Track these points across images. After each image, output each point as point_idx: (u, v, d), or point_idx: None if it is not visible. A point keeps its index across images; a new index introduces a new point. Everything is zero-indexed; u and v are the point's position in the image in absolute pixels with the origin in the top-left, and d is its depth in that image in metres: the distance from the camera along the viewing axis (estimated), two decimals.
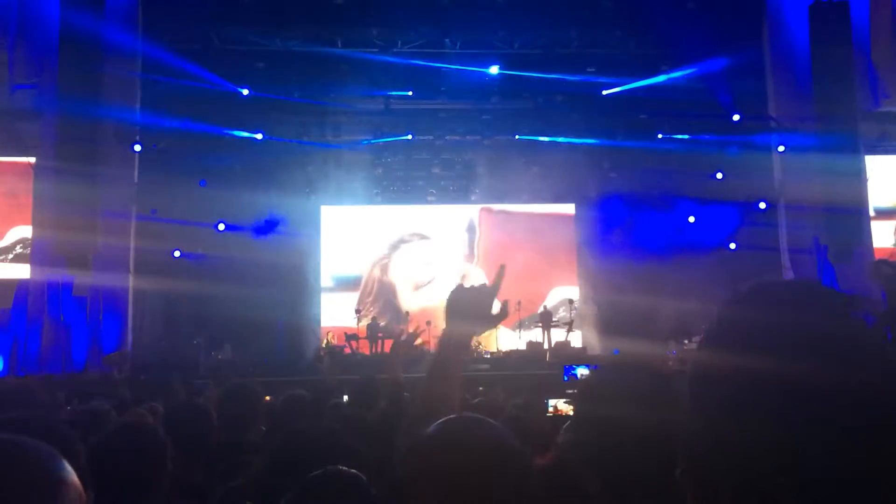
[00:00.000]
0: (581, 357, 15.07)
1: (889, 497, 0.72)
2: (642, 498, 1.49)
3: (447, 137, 18.00)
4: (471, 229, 20.28)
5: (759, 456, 0.75)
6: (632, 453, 1.48)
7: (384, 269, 20.05)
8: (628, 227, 17.85)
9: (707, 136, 17.37)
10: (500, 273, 1.94)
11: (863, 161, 15.86)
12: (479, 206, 20.24)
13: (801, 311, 0.81)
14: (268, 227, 17.73)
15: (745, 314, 0.84)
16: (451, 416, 1.30)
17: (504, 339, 18.44)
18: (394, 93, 16.95)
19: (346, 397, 7.47)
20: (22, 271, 15.46)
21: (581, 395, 1.74)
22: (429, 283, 19.92)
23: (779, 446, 0.74)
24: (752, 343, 0.79)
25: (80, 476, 1.07)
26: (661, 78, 16.81)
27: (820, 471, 0.73)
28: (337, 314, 19.24)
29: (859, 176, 15.58)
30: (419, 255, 20.15)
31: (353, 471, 1.92)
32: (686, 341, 14.26)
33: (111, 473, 2.24)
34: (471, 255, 20.17)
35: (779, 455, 0.74)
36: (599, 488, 1.50)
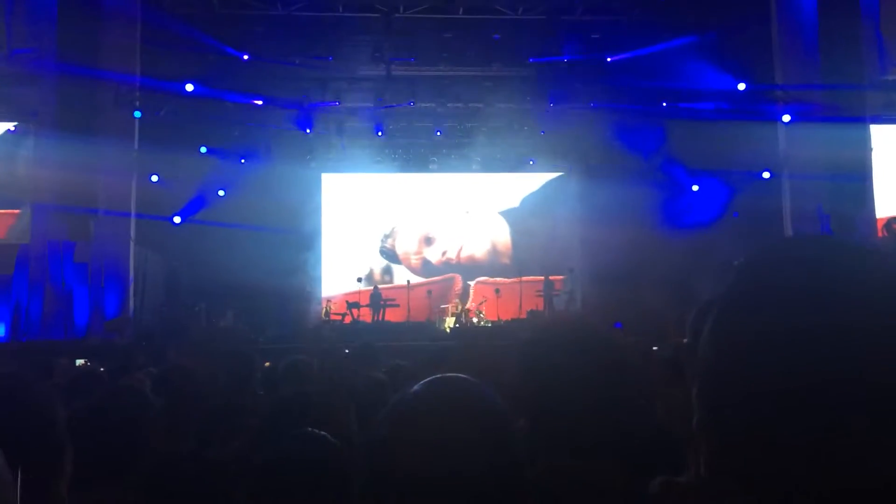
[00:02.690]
0: None
1: None
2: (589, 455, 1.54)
3: (449, 105, 17.86)
4: (473, 197, 20.25)
5: (785, 406, 0.73)
6: (577, 420, 1.55)
7: (385, 238, 20.05)
8: (631, 195, 17.76)
9: (712, 105, 17.21)
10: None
11: (868, 130, 15.75)
12: (481, 174, 20.17)
13: (834, 260, 0.79)
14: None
15: (776, 262, 0.82)
16: (436, 375, 1.29)
17: (505, 308, 18.47)
18: (396, 59, 16.79)
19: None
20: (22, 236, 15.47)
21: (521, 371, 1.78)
22: (431, 252, 19.92)
23: (804, 396, 0.72)
24: (786, 291, 0.77)
25: (56, 437, 1.06)
26: (666, 45, 16.64)
27: (848, 427, 0.71)
28: (339, 282, 19.28)
29: (864, 145, 15.49)
30: (421, 223, 20.14)
31: (322, 433, 1.92)
32: (697, 309, 14.25)
33: (98, 436, 2.23)
34: (473, 223, 20.15)
35: (804, 405, 0.72)
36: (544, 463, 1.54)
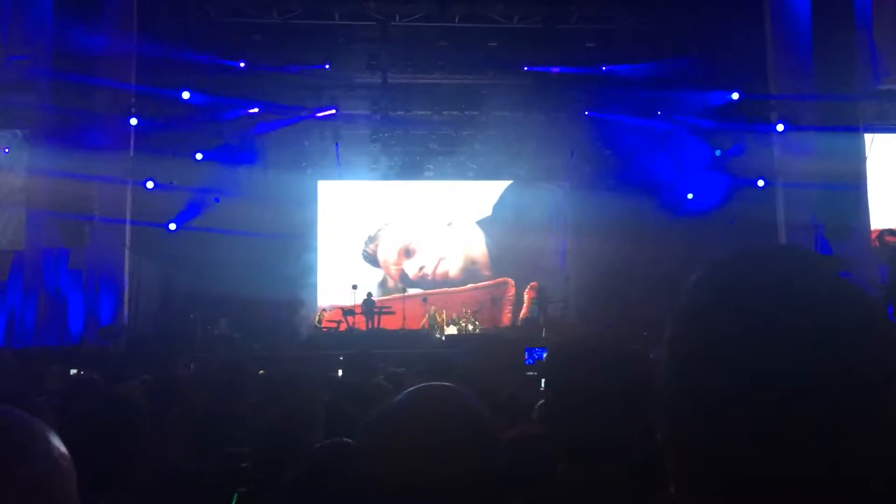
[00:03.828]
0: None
1: (878, 460, 0.71)
2: (610, 470, 1.54)
3: (445, 113, 17.88)
4: (468, 204, 20.26)
5: (742, 418, 0.73)
6: (601, 432, 1.56)
7: (381, 245, 20.04)
8: (625, 203, 17.78)
9: (706, 114, 17.25)
10: None
11: (862, 139, 15.82)
12: (476, 182, 20.18)
13: (785, 271, 0.79)
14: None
15: (727, 276, 0.82)
16: (420, 385, 1.28)
17: (500, 316, 18.47)
18: (391, 67, 16.80)
19: (340, 371, 7.49)
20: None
21: (547, 379, 1.80)
22: (427, 259, 19.91)
23: (761, 407, 0.72)
24: (737, 304, 0.77)
25: None
26: (660, 54, 16.69)
27: (804, 433, 0.71)
28: (334, 289, 19.24)
29: (858, 154, 15.55)
30: (416, 230, 20.12)
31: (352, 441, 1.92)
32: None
33: (88, 446, 2.22)
34: (468, 231, 20.14)
35: (762, 416, 0.72)
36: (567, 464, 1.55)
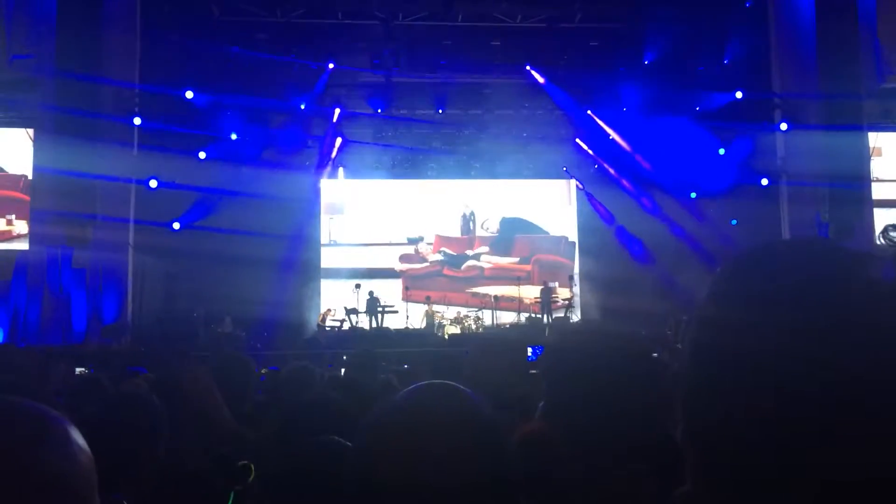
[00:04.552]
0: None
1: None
2: (619, 469, 1.52)
3: (448, 111, 17.87)
4: (473, 203, 20.22)
5: (770, 416, 0.70)
6: (604, 428, 1.53)
7: (383, 244, 20.00)
8: (629, 202, 17.76)
9: (710, 112, 17.23)
10: None
11: (866, 138, 15.79)
12: (479, 181, 20.12)
13: (818, 266, 0.76)
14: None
15: (757, 269, 0.79)
16: (421, 382, 1.22)
17: (504, 314, 18.45)
18: (394, 66, 16.81)
19: (343, 370, 7.50)
20: (21, 243, 15.46)
21: (546, 377, 1.77)
22: (429, 259, 19.90)
23: (790, 405, 0.70)
24: (763, 300, 0.74)
25: None
26: (664, 53, 16.67)
27: (836, 434, 0.68)
28: (337, 288, 19.22)
29: (862, 153, 15.52)
30: (418, 230, 20.09)
31: (339, 439, 1.90)
32: (684, 318, 14.25)
33: (104, 443, 2.21)
34: (472, 231, 20.12)
35: (790, 415, 0.70)
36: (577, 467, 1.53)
